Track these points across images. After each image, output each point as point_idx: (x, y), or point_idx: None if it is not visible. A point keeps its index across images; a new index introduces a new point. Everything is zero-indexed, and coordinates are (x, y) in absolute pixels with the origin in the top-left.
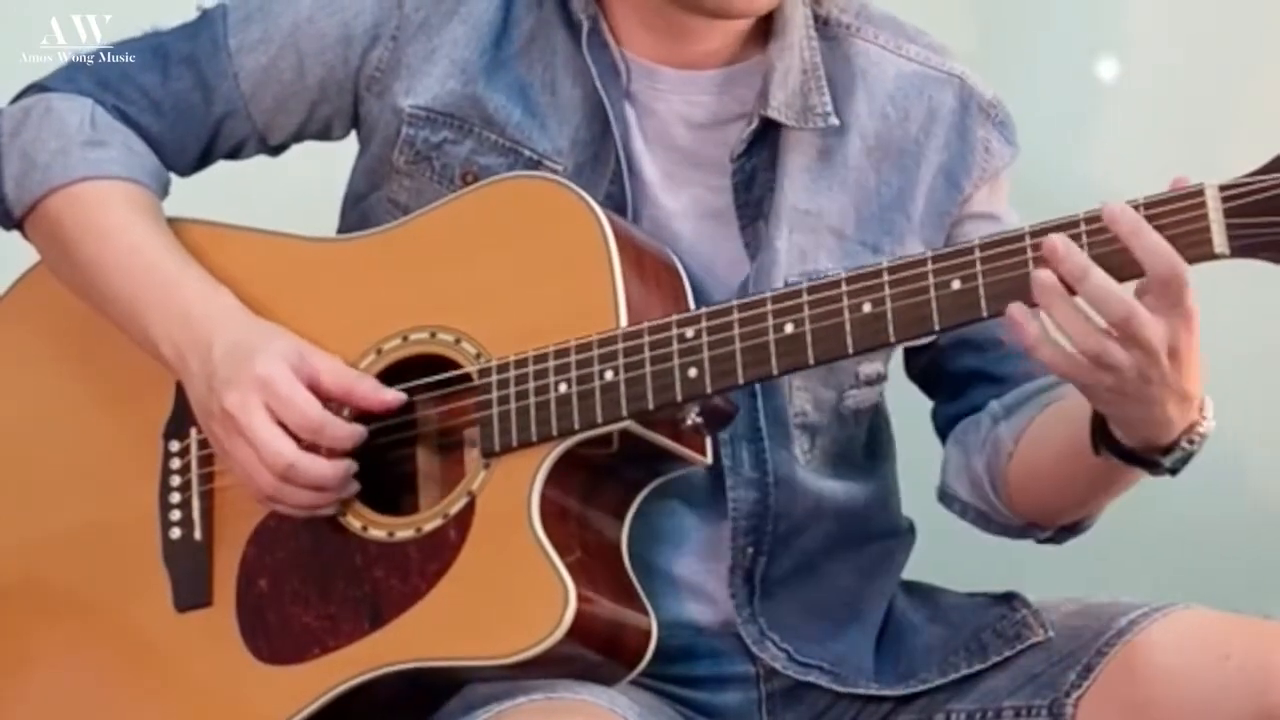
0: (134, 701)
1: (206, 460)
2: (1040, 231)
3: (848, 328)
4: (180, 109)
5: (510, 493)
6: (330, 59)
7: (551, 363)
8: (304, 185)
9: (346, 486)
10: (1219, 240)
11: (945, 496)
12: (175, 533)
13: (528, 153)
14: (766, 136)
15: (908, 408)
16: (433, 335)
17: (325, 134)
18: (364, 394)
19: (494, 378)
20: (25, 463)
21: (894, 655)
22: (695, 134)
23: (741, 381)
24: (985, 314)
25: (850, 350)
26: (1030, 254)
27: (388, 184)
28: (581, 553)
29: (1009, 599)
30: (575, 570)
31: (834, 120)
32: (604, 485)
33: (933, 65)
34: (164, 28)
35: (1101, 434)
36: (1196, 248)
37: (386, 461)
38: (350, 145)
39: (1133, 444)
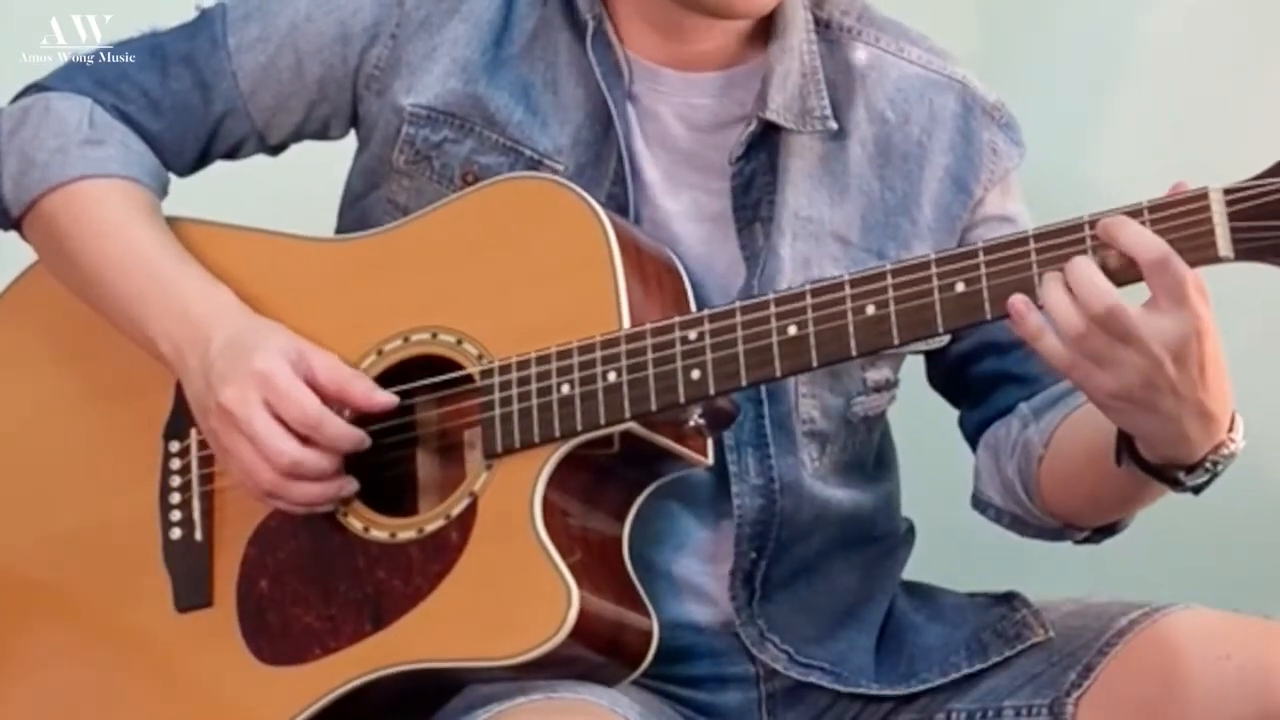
0: (134, 702)
1: (207, 460)
2: (1044, 234)
3: (851, 330)
4: (179, 108)
5: (512, 494)
6: (328, 58)
7: (554, 364)
8: (303, 185)
9: (342, 485)
10: (1223, 244)
11: (979, 503)
12: (175, 533)
13: (528, 152)
14: (766, 140)
15: (907, 408)
16: (434, 336)
17: (324, 133)
18: (358, 393)
19: (496, 379)
20: (24, 463)
21: (894, 655)
22: (695, 136)
23: (744, 383)
24: (989, 316)
25: (854, 352)
26: (1034, 256)
27: (387, 184)
28: (583, 554)
29: (1009, 599)
30: (577, 571)
31: (832, 124)
32: (606, 486)
33: (934, 69)
34: (163, 28)
35: (1127, 446)
36: (1200, 251)
37: (388, 462)
38: (349, 145)
39: (1155, 459)
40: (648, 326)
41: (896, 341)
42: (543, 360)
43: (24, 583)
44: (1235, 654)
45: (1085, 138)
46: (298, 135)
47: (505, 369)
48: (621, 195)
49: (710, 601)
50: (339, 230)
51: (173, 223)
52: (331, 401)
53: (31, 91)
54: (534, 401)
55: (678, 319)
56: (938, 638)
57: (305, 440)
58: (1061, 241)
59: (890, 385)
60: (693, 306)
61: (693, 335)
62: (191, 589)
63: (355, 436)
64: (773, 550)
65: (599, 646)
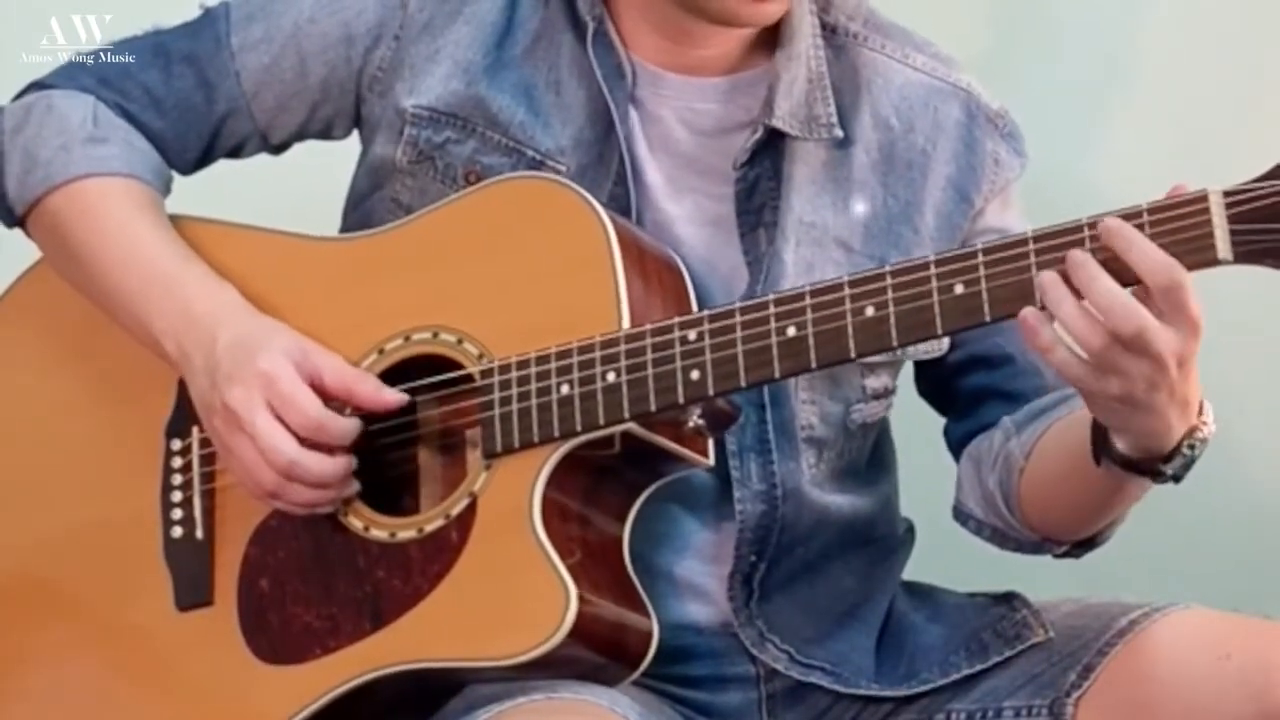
0: (134, 701)
1: (208, 459)
2: (1043, 235)
3: (850, 331)
4: (182, 107)
5: (512, 494)
6: (332, 58)
7: (554, 364)
8: (306, 184)
9: (347, 485)
10: (1222, 246)
11: (960, 515)
12: (176, 531)
13: (530, 153)
14: (771, 146)
15: (907, 410)
16: (435, 335)
17: (327, 133)
18: (365, 394)
19: (496, 378)
20: (26, 461)
21: (895, 655)
22: (699, 140)
23: (744, 384)
24: (988, 318)
25: (852, 354)
26: (1034, 258)
27: (390, 184)
28: (583, 554)
29: (1009, 599)
30: (577, 572)
31: (838, 132)
32: (605, 486)
33: (939, 76)
34: (165, 26)
35: (1103, 445)
36: (1200, 254)
37: (388, 462)
38: (352, 145)
39: (1134, 454)
40: (647, 327)
41: (895, 343)
42: (542, 360)
43: (25, 580)
44: (1235, 654)
45: (1086, 139)
46: (300, 135)
47: (505, 369)
48: (623, 197)
49: (710, 602)
50: (343, 230)
51: (176, 221)
52: (337, 401)
53: (34, 90)
54: (533, 401)
55: (677, 319)
56: (938, 638)
57: (310, 442)
58: (1060, 243)
59: (889, 393)
60: (694, 306)
61: (692, 335)
62: (192, 587)
63: (356, 429)
64: (773, 553)
65: (599, 647)
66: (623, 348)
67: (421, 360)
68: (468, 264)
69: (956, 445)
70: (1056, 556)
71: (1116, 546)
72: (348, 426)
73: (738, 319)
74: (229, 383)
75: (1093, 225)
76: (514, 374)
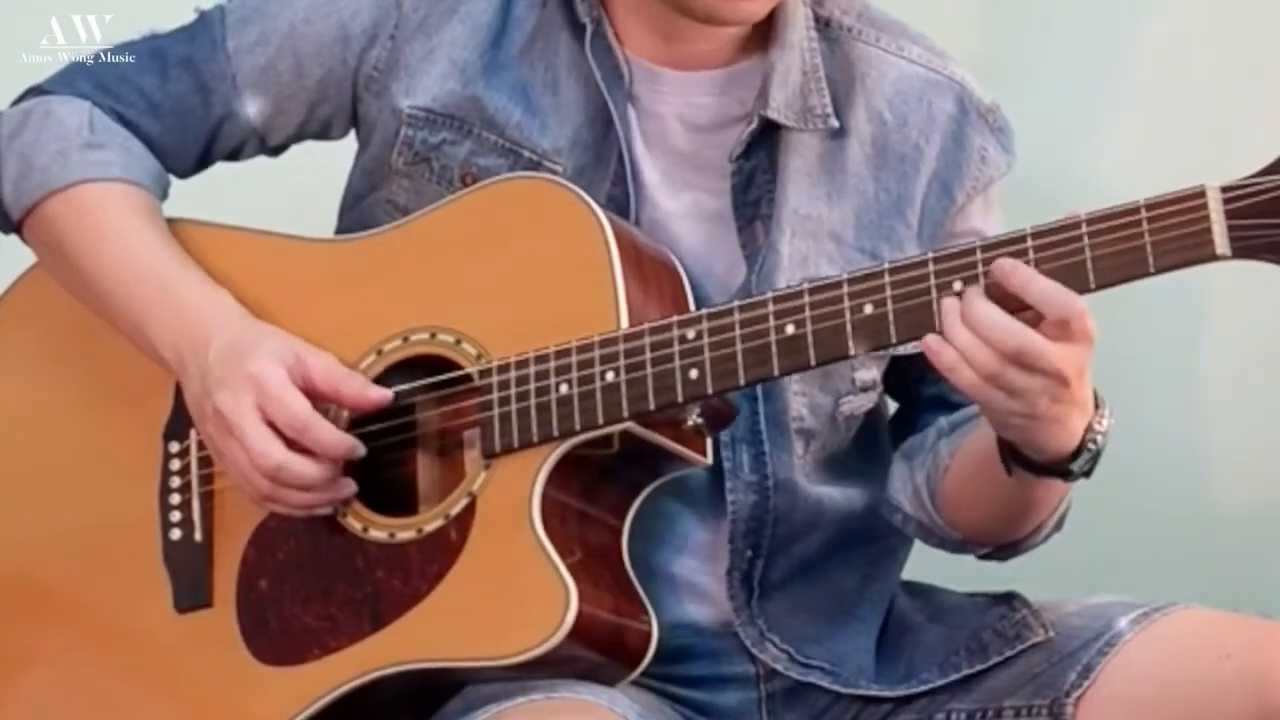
0: (134, 702)
1: (206, 461)
2: (1041, 233)
3: (849, 329)
4: (179, 111)
5: (511, 493)
6: (328, 59)
7: (552, 363)
8: (303, 186)
9: (338, 488)
10: (1220, 242)
11: (889, 506)
12: (175, 534)
13: (527, 153)
14: (766, 138)
15: None
16: (433, 336)
17: (324, 134)
18: (351, 392)
19: (495, 378)
20: (25, 463)
21: (894, 655)
22: (695, 137)
23: (743, 382)
24: None
25: (851, 351)
26: (1032, 255)
27: (387, 185)
28: (582, 553)
29: (1009, 599)
30: (576, 571)
31: (834, 122)
32: (604, 486)
33: (933, 68)
34: (162, 30)
35: (1010, 454)
36: (1198, 249)
37: (387, 462)
38: (348, 146)
39: (1040, 459)
40: (646, 326)
41: (894, 340)
42: (541, 360)
43: (24, 583)
44: (1235, 654)
45: (1083, 137)
46: (298, 136)
47: (504, 369)
48: (621, 196)
49: (710, 601)
50: (339, 231)
51: (173, 224)
52: (328, 402)
53: (31, 95)
54: (532, 401)
55: (676, 318)
56: (938, 638)
57: (295, 444)
58: (1056, 240)
59: (876, 385)
60: (691, 306)
61: (691, 334)
62: (191, 590)
63: (346, 444)
64: (769, 549)
65: (598, 646)
66: (621, 347)
67: (420, 361)
68: (465, 264)
69: (897, 440)
70: (980, 558)
71: (1117, 546)
72: (336, 435)
73: (736, 317)
74: (219, 387)
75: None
76: (512, 374)
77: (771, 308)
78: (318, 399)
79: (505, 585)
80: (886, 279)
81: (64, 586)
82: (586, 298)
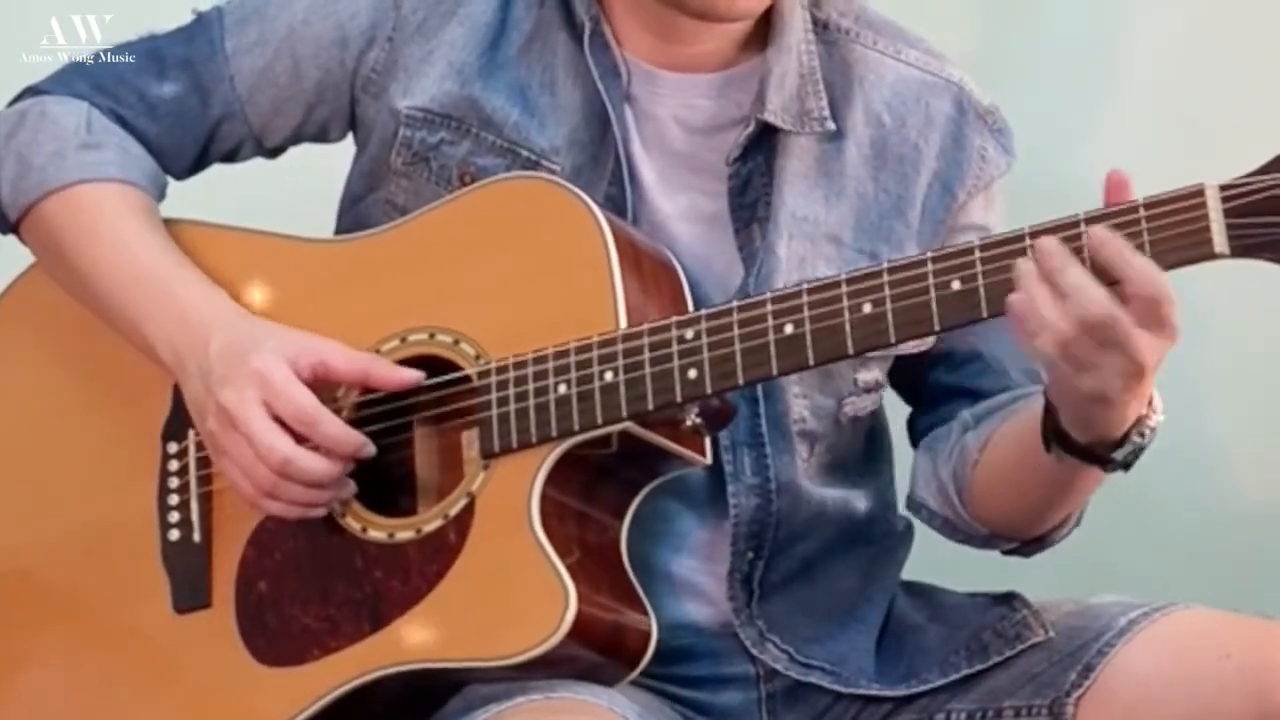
0: (133, 703)
1: (205, 461)
2: (1040, 232)
3: (848, 328)
4: (177, 112)
5: (510, 494)
6: (326, 61)
7: (551, 364)
8: (301, 186)
9: (342, 487)
10: (1219, 240)
11: (913, 504)
12: (174, 534)
13: (525, 153)
14: (763, 141)
15: (905, 408)
16: (431, 336)
17: (322, 136)
18: (381, 374)
19: (493, 379)
20: (23, 464)
21: (895, 655)
22: (692, 138)
23: (741, 382)
24: (985, 314)
25: (850, 351)
26: (1032, 255)
27: (385, 185)
28: (581, 553)
29: (1009, 599)
30: (575, 571)
31: (830, 125)
32: (603, 486)
33: (931, 71)
34: (160, 31)
35: (1053, 432)
36: (1197, 248)
37: (385, 462)
38: (347, 146)
39: (1084, 440)
40: (644, 326)
41: (893, 340)
42: (540, 360)
43: (22, 583)
44: (1235, 654)
45: (1083, 137)
46: (296, 138)
47: (502, 369)
48: (619, 197)
49: (709, 602)
50: (338, 232)
51: (171, 224)
52: (354, 385)
53: (28, 95)
54: (531, 401)
55: (674, 318)
56: (938, 638)
57: (303, 440)
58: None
59: (879, 386)
60: (690, 306)
61: (689, 334)
62: (190, 590)
63: (354, 440)
64: (770, 550)
65: (597, 646)
66: (620, 347)
67: (418, 361)
68: (463, 265)
69: (917, 437)
70: (1005, 553)
71: (1117, 546)
72: (343, 427)
73: (735, 317)
74: (222, 385)
75: (1088, 221)
76: (511, 374)
77: (770, 308)
78: (339, 384)
79: (504, 585)
80: (885, 279)
81: (63, 587)
82: (585, 298)
